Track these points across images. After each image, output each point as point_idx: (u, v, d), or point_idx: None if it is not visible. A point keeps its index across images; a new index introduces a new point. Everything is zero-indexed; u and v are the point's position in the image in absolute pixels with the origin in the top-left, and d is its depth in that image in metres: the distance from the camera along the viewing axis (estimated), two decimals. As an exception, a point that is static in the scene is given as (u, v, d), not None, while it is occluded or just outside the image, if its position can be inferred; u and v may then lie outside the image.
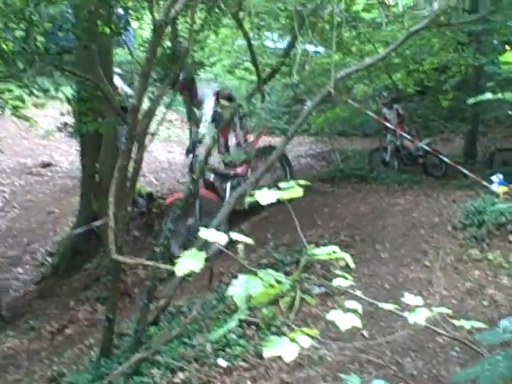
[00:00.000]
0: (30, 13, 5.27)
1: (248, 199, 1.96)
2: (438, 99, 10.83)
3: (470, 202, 5.94)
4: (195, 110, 7.41)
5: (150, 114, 4.33)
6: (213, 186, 7.16)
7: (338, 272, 2.15)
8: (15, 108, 6.84)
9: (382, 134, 10.34)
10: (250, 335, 4.12)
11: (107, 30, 5.98)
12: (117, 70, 9.01)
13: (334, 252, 1.95)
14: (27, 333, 6.19)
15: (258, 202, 1.88)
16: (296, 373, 3.58)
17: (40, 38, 5.72)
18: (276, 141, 10.52)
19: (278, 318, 3.71)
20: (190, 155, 6.99)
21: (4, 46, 5.63)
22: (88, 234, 7.38)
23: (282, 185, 1.91)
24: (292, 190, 1.89)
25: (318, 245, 1.93)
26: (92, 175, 7.56)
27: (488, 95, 2.56)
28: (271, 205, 1.89)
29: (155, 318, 4.63)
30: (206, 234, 1.79)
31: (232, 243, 1.80)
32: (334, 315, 1.84)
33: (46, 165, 11.92)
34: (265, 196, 1.86)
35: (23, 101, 6.60)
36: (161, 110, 7.03)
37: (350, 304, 1.96)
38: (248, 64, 9.28)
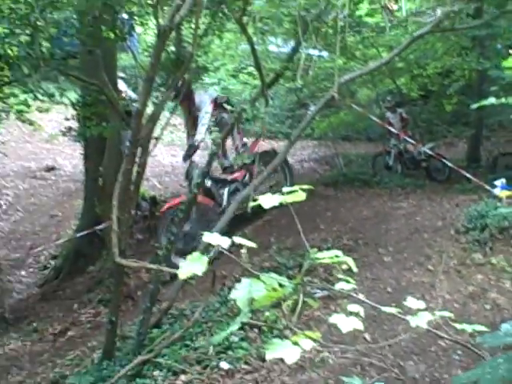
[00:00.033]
0: (35, 18, 5.30)
1: (251, 203, 1.98)
2: (441, 103, 10.85)
3: (473, 206, 5.95)
4: (191, 115, 7.39)
5: (153, 118, 4.35)
6: (210, 191, 7.11)
7: (340, 276, 2.16)
8: (20, 112, 6.89)
9: (386, 138, 10.35)
10: (253, 338, 4.12)
11: (111, 35, 6.02)
12: (121, 74, 9.05)
13: (336, 256, 1.97)
14: (30, 335, 6.21)
15: (260, 206, 1.90)
16: (298, 375, 3.58)
17: (45, 44, 5.76)
18: (279, 145, 10.54)
19: (280, 321, 3.72)
20: (187, 161, 7.00)
21: (9, 51, 5.67)
22: (91, 237, 7.40)
23: (284, 189, 1.93)
24: (295, 194, 1.91)
25: (320, 249, 1.95)
26: (95, 179, 7.58)
27: (491, 100, 2.57)
28: (274, 208, 1.90)
29: (158, 320, 4.64)
30: (209, 237, 1.81)
31: (235, 247, 1.82)
32: (336, 318, 1.85)
33: (50, 168, 11.97)
34: (268, 200, 1.88)
35: (28, 105, 6.65)
36: (165, 115, 7.06)
37: (353, 307, 1.97)
38: (251, 68, 9.33)
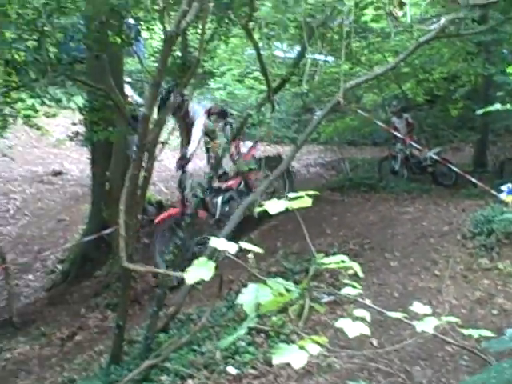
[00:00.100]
0: (42, 24, 5.34)
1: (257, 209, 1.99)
2: (447, 108, 10.82)
3: (480, 211, 5.94)
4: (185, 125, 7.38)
5: (160, 123, 4.38)
6: (202, 201, 7.04)
7: (346, 281, 2.17)
8: (27, 117, 6.93)
9: (392, 143, 10.34)
10: (260, 343, 4.13)
11: (118, 40, 6.06)
12: (127, 79, 9.09)
13: (342, 261, 1.98)
14: (38, 339, 6.24)
15: (266, 212, 1.91)
16: (305, 380, 3.59)
17: (52, 49, 5.80)
18: (285, 150, 10.56)
19: (287, 326, 3.72)
20: (180, 170, 6.97)
21: (17, 56, 5.71)
22: (98, 242, 7.42)
23: (290, 194, 1.94)
24: (300, 199, 1.91)
25: (327, 254, 1.96)
26: (102, 183, 7.62)
27: (497, 106, 2.58)
28: (280, 214, 1.91)
29: (165, 325, 4.65)
30: (216, 242, 1.82)
31: (242, 252, 1.83)
32: (343, 323, 1.86)
33: (57, 173, 12.02)
34: (274, 206, 1.89)
35: (35, 110, 6.69)
36: (171, 120, 7.09)
37: (359, 312, 1.98)
38: (257, 73, 9.34)
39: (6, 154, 12.17)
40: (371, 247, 6.00)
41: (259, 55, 4.67)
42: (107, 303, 6.55)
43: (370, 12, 6.98)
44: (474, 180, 7.43)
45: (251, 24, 4.47)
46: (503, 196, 5.83)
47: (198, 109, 7.17)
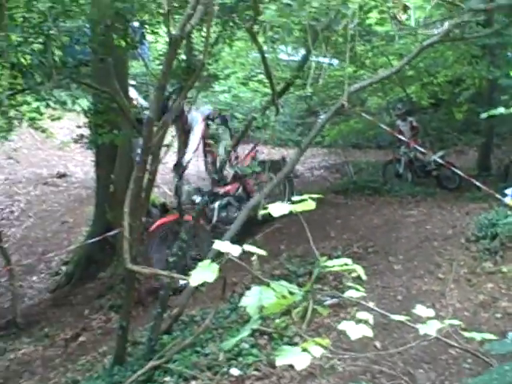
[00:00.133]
0: (48, 27, 5.37)
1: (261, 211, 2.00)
2: (452, 112, 10.82)
3: (484, 214, 5.94)
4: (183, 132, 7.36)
5: (164, 125, 4.39)
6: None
7: (350, 283, 2.18)
8: (32, 120, 6.96)
9: (396, 146, 10.34)
10: (263, 345, 4.14)
11: (123, 44, 6.08)
12: (132, 82, 9.11)
13: (346, 264, 1.99)
14: (42, 340, 6.26)
15: (269, 214, 1.92)
16: (308, 382, 3.59)
17: (57, 52, 5.83)
18: (290, 152, 10.56)
19: (290, 329, 3.73)
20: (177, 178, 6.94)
21: (22, 60, 5.75)
22: (102, 244, 7.44)
23: (294, 198, 1.95)
24: (304, 203, 1.93)
25: (330, 257, 1.97)
26: (107, 186, 7.63)
27: (501, 110, 2.59)
28: (284, 216, 1.92)
29: (168, 326, 4.66)
30: (219, 245, 1.83)
31: (246, 254, 1.84)
32: (346, 325, 1.87)
33: (61, 175, 12.06)
34: (277, 208, 1.90)
35: (41, 113, 6.73)
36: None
37: (362, 315, 1.99)
38: (262, 76, 9.35)
39: (11, 156, 12.25)
40: (375, 250, 6.00)
41: (264, 58, 4.67)
42: (111, 305, 6.56)
43: (374, 15, 6.98)
44: (478, 183, 7.43)
45: (256, 27, 4.48)
46: (507, 199, 5.84)
47: (196, 115, 7.13)
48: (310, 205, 1.93)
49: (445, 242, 5.82)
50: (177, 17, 5.20)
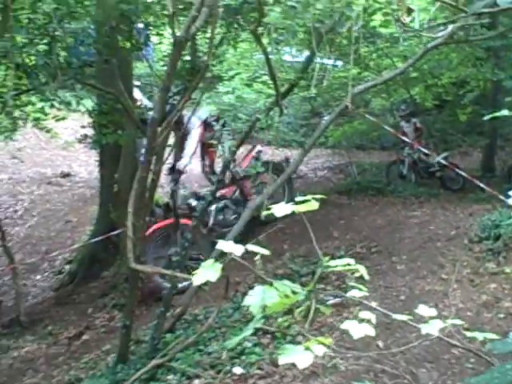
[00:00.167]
0: (53, 28, 5.40)
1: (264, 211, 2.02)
2: (456, 113, 10.81)
3: (487, 215, 5.95)
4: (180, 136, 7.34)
5: (168, 126, 4.41)
6: (194, 210, 6.90)
7: (352, 283, 2.20)
8: (37, 120, 6.99)
9: (400, 147, 10.34)
10: (266, 344, 4.16)
11: (127, 45, 6.11)
12: (136, 82, 9.14)
13: (348, 264, 2.00)
14: (45, 338, 6.30)
15: (272, 215, 1.93)
16: (310, 381, 3.60)
17: (62, 53, 5.86)
18: (293, 153, 10.58)
19: (293, 328, 3.75)
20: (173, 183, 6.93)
21: (27, 60, 5.78)
22: (106, 243, 7.47)
23: (297, 198, 1.97)
24: (307, 203, 1.94)
25: (334, 257, 1.98)
26: (111, 185, 7.66)
27: (504, 112, 2.60)
28: (287, 216, 1.94)
29: (171, 325, 4.69)
30: (222, 245, 1.85)
31: (249, 253, 1.86)
32: (348, 324, 1.89)
33: (65, 175, 12.11)
34: (280, 208, 1.91)
35: (45, 113, 6.75)
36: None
37: (365, 314, 2.00)
38: (266, 77, 9.37)
39: (15, 155, 12.29)
40: (378, 251, 6.02)
41: (268, 60, 4.69)
42: (114, 303, 6.60)
43: (378, 17, 6.99)
44: (481, 185, 7.44)
45: (260, 29, 4.50)
46: (511, 201, 5.84)
47: (193, 120, 7.04)
48: (313, 205, 1.94)
49: (448, 243, 5.83)
50: (181, 18, 5.22)
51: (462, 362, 3.65)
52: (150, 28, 6.68)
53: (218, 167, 7.55)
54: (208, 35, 5.12)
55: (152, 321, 4.96)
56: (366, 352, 3.74)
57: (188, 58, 6.28)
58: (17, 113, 6.47)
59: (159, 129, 4.13)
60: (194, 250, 6.47)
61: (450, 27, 3.56)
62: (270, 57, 4.74)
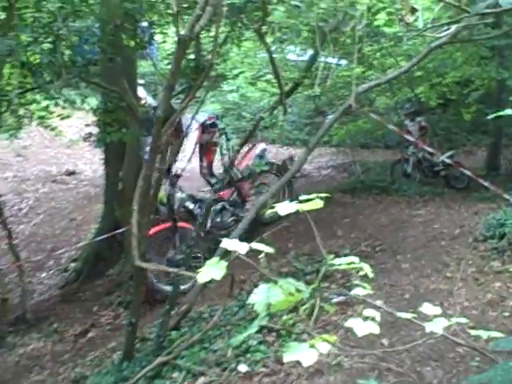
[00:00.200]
0: (57, 27, 5.42)
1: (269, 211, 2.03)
2: (460, 112, 10.81)
3: (492, 214, 5.95)
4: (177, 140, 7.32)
5: (172, 124, 4.42)
6: (192, 214, 7.00)
7: (357, 282, 2.21)
8: (41, 118, 7.02)
9: (404, 146, 10.33)
10: (271, 342, 4.17)
11: (132, 44, 6.12)
12: (141, 81, 9.15)
13: (352, 262, 2.01)
14: (51, 335, 6.32)
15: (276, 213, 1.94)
16: (315, 379, 3.61)
17: (67, 51, 5.88)
18: (297, 152, 10.59)
19: (298, 326, 3.76)
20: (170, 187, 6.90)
21: (32, 59, 5.80)
22: (111, 241, 7.49)
23: (301, 197, 1.97)
24: (312, 202, 1.95)
25: (338, 255, 1.98)
26: (115, 183, 7.68)
27: (508, 111, 2.60)
28: (291, 215, 1.94)
29: (177, 323, 4.71)
30: (227, 243, 1.86)
31: (253, 252, 1.87)
32: (352, 322, 1.89)
33: (70, 173, 12.16)
34: (284, 207, 1.92)
35: (50, 112, 6.78)
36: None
37: (369, 312, 2.01)
38: (270, 76, 9.37)
39: (20, 153, 12.35)
40: (383, 249, 6.02)
41: (272, 58, 4.70)
42: (120, 301, 6.62)
43: (382, 16, 6.99)
44: (485, 183, 7.44)
45: (264, 28, 4.51)
46: (515, 199, 5.85)
47: (191, 123, 6.94)
48: (318, 204, 1.95)
49: (452, 242, 5.83)
50: (186, 17, 5.23)
51: (466, 361, 3.65)
52: (155, 27, 6.70)
53: (218, 169, 7.59)
54: (212, 34, 5.12)
55: (157, 319, 4.98)
56: (370, 350, 3.75)
57: (192, 56, 6.30)
58: (22, 111, 6.51)
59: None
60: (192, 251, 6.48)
61: (454, 27, 3.55)
62: (274, 55, 4.75)
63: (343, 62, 8.96)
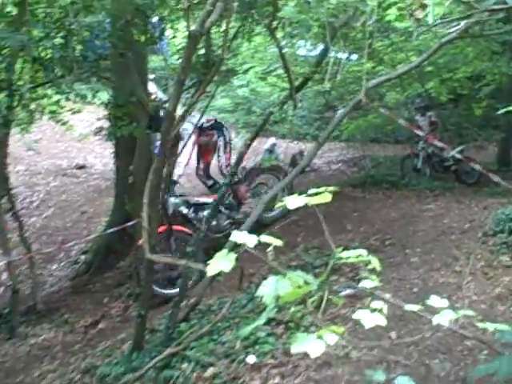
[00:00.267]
0: (69, 22, 5.47)
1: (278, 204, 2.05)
2: (471, 107, 10.76)
3: (502, 209, 5.93)
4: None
5: (182, 120, 4.46)
6: (186, 218, 6.96)
7: (366, 275, 2.23)
8: (53, 113, 7.08)
9: (414, 141, 10.31)
10: (279, 334, 4.20)
11: (143, 39, 6.16)
12: (151, 76, 9.19)
13: (361, 255, 2.03)
14: (62, 326, 6.40)
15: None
16: (323, 371, 3.64)
17: (78, 46, 5.93)
18: (307, 146, 10.60)
19: (306, 319, 3.79)
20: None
21: (44, 54, 5.85)
22: (121, 234, 7.54)
23: (310, 190, 1.99)
24: (320, 195, 1.97)
25: (347, 249, 2.00)
26: (126, 177, 7.73)
27: (518, 106, 2.61)
28: (301, 209, 1.96)
29: (186, 315, 4.75)
30: (236, 236, 1.88)
31: (262, 245, 1.89)
32: (360, 314, 1.92)
33: (81, 167, 12.25)
34: (293, 201, 1.94)
35: (61, 106, 6.84)
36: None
37: (376, 304, 2.03)
38: (280, 71, 9.39)
39: (31, 147, 12.44)
40: (392, 243, 6.03)
41: (282, 54, 4.71)
42: (130, 293, 6.68)
43: (393, 11, 6.96)
44: (495, 178, 7.41)
45: (274, 23, 4.52)
46: (525, 195, 5.84)
47: (187, 126, 6.83)
48: (327, 197, 1.96)
49: (462, 236, 5.83)
50: (196, 12, 5.26)
51: (474, 354, 3.66)
52: (165, 22, 6.73)
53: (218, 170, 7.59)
54: (223, 29, 5.15)
55: (167, 311, 5.02)
56: (378, 343, 3.77)
57: (203, 51, 6.32)
58: (33, 105, 6.57)
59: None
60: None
61: (464, 22, 3.55)
62: (285, 50, 4.77)
63: (354, 56, 8.94)
